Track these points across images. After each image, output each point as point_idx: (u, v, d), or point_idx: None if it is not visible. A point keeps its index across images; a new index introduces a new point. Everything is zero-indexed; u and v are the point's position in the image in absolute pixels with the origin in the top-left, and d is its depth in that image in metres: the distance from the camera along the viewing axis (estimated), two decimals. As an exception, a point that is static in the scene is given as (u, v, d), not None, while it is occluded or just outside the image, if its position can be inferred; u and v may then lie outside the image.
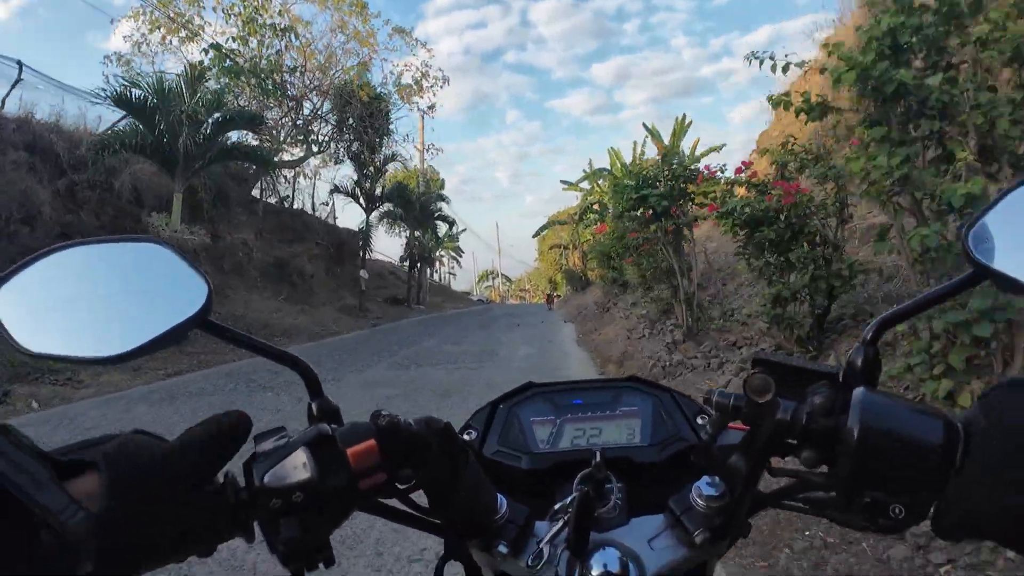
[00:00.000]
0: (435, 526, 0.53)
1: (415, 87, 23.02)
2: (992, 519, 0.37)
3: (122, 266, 0.52)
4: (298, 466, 0.43)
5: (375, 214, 26.08)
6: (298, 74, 21.01)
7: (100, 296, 0.50)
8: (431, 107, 24.20)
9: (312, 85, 21.47)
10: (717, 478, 0.51)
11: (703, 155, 37.11)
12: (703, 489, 0.51)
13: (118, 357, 0.46)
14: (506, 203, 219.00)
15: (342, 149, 22.53)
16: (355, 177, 22.79)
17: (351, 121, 21.47)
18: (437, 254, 49.60)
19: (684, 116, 35.21)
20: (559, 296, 54.61)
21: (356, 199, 23.29)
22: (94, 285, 0.50)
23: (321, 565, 0.45)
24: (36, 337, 0.45)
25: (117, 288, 0.51)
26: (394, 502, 0.52)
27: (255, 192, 21.54)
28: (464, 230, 51.22)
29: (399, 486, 0.49)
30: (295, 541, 0.42)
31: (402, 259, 29.26)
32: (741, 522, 0.51)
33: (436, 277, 52.53)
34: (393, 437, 0.45)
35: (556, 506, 0.53)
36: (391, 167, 25.39)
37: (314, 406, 0.51)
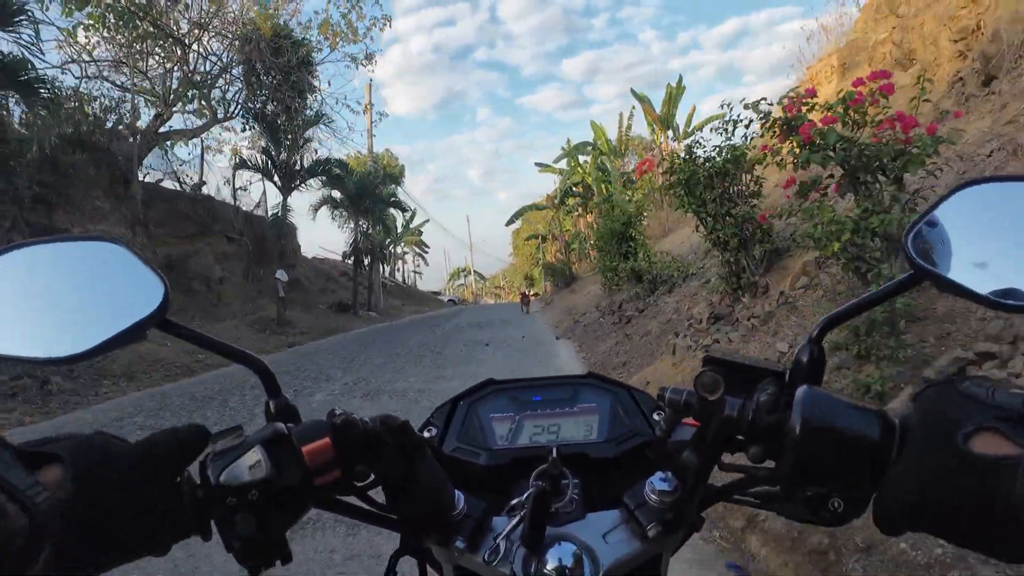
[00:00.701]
0: (391, 522, 0.54)
1: (345, 29, 17.60)
2: (926, 511, 0.38)
3: (77, 265, 0.51)
4: (254, 464, 0.43)
5: (313, 199, 20.91)
6: (181, 6, 15.45)
7: (55, 296, 0.50)
8: (369, 57, 18.82)
9: (203, 20, 15.93)
10: (670, 473, 0.52)
11: (703, 124, 31.89)
12: (656, 484, 0.52)
13: (74, 357, 0.46)
14: (480, 200, 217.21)
15: (249, 110, 16.95)
16: (267, 146, 17.25)
17: (260, 74, 16.06)
18: (395, 249, 44.62)
19: (680, 79, 30.61)
20: (536, 295, 49.79)
21: (268, 175, 17.80)
22: (49, 285, 0.50)
23: (278, 562, 0.46)
24: None
25: (72, 288, 0.50)
26: (352, 499, 0.52)
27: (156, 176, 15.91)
28: (427, 221, 46.15)
29: (356, 483, 0.49)
30: (251, 538, 0.43)
31: (345, 255, 23.85)
32: (693, 516, 0.53)
33: (399, 276, 47.08)
34: (347, 434, 0.46)
35: (513, 501, 0.53)
36: (326, 141, 19.88)
37: (272, 404, 0.51)
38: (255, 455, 0.44)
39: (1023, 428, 0.36)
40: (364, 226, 23.80)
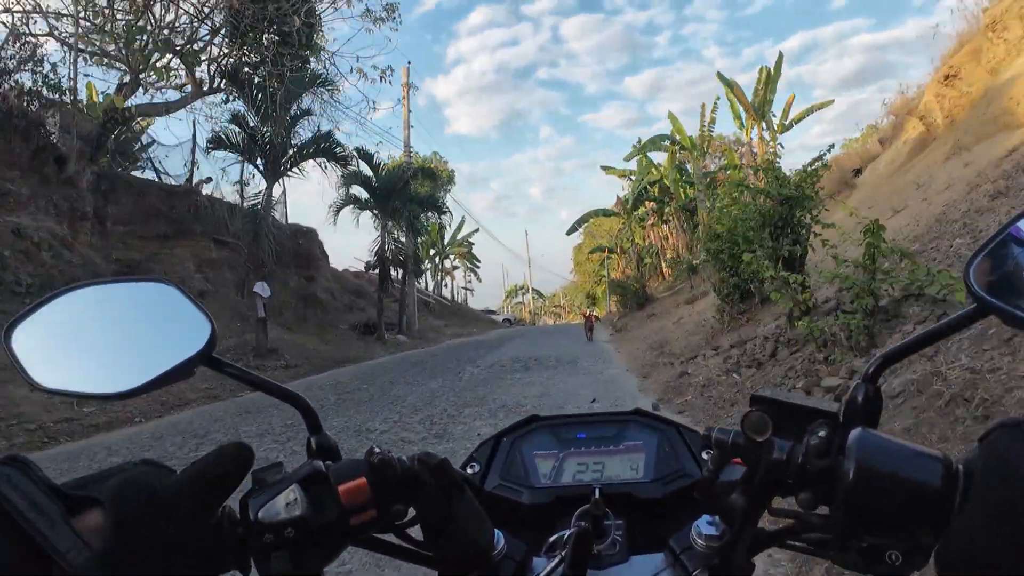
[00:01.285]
0: (429, 560, 0.53)
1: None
2: (995, 564, 0.35)
3: (130, 305, 0.55)
4: (291, 502, 0.44)
5: (337, 197, 16.86)
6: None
7: (110, 334, 0.53)
8: (390, 9, 14.55)
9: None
10: (717, 517, 0.50)
11: (802, 116, 25.65)
12: (702, 528, 0.50)
13: (127, 393, 0.48)
14: (541, 218, 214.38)
15: (225, 70, 12.85)
16: (243, 115, 13.09)
17: (246, 26, 12.03)
18: (442, 262, 40.61)
19: (780, 57, 25.07)
20: (597, 317, 43.91)
21: (249, 155, 13.61)
22: (104, 323, 0.53)
23: None
24: (49, 374, 0.48)
25: (126, 326, 0.54)
26: (391, 536, 0.52)
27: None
28: (476, 231, 41.65)
29: (394, 522, 0.49)
30: (288, 575, 0.44)
31: (369, 266, 19.62)
32: (742, 561, 0.50)
33: (448, 292, 42.83)
34: (384, 474, 0.46)
35: (552, 539, 0.52)
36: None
37: (313, 441, 0.52)
38: (292, 493, 0.44)
39: None
40: (395, 232, 19.56)
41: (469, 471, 0.64)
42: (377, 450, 0.47)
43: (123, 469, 0.42)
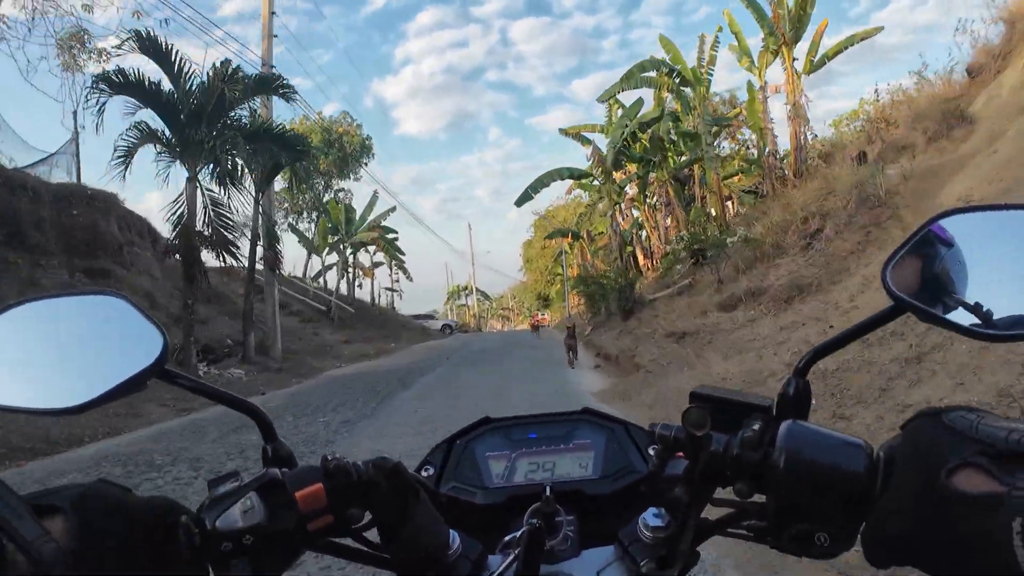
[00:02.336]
0: (387, 562, 0.54)
1: None
2: (911, 546, 0.38)
3: (80, 319, 0.54)
4: (248, 510, 0.45)
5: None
6: None
7: (58, 348, 0.53)
8: None
9: None
10: (663, 509, 0.52)
11: (840, 47, 17.79)
12: (649, 520, 0.53)
13: (78, 408, 0.48)
14: (488, 220, 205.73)
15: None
16: None
17: None
18: (349, 254, 29.18)
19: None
20: (543, 323, 36.49)
21: None
22: (53, 338, 0.53)
23: None
24: None
25: (75, 340, 0.53)
26: (348, 540, 0.53)
27: None
28: (393, 209, 30.62)
29: (350, 526, 0.50)
30: None
31: (169, 247, 11.41)
32: (687, 551, 0.52)
33: (370, 295, 33.88)
34: (340, 479, 0.47)
35: (507, 539, 0.54)
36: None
37: (268, 449, 0.53)
38: (249, 501, 0.45)
39: (1005, 464, 0.35)
40: (223, 189, 11.30)
41: (424, 474, 0.65)
42: (332, 456, 0.47)
43: (79, 485, 0.42)
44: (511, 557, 0.50)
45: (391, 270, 35.36)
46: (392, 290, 37.46)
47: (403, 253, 33.94)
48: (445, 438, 0.68)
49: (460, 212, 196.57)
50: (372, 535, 0.52)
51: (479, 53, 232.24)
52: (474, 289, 63.25)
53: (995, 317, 0.45)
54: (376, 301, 34.03)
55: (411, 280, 36.72)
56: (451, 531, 0.53)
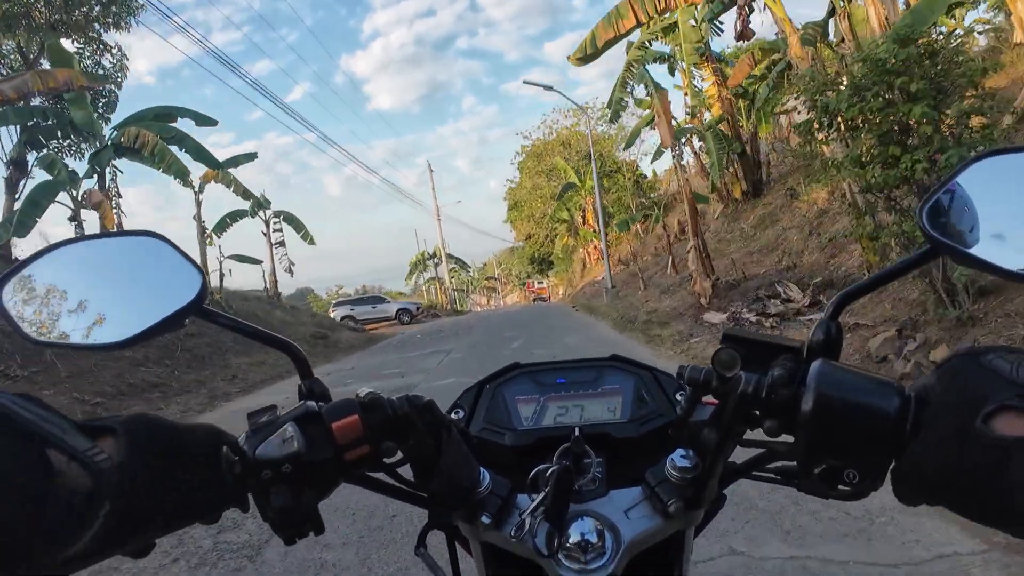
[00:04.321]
0: (420, 498, 0.56)
1: None
2: (943, 485, 0.38)
3: (121, 259, 0.55)
4: (287, 439, 0.46)
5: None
6: None
7: (101, 287, 0.54)
8: None
9: None
10: (691, 451, 0.53)
11: None
12: (676, 461, 0.53)
13: (118, 344, 0.50)
14: (469, 189, 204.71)
15: None
16: None
17: None
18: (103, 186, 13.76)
19: None
20: (547, 292, 30.79)
21: None
22: (95, 277, 0.54)
23: (312, 533, 0.49)
24: (41, 327, 0.50)
25: (117, 280, 0.54)
26: (382, 475, 0.54)
27: None
28: (255, 155, 18.13)
29: (385, 460, 0.52)
30: (285, 509, 0.46)
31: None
32: (714, 492, 0.54)
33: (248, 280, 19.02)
34: (375, 413, 0.49)
35: (536, 478, 0.54)
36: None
37: (303, 386, 0.53)
38: (289, 431, 0.46)
39: None
40: None
41: (454, 416, 0.65)
42: (366, 391, 0.49)
43: (122, 414, 0.44)
44: (541, 495, 0.51)
45: (271, 244, 20.25)
46: (287, 269, 20.71)
47: (267, 200, 19.51)
48: (475, 382, 0.68)
49: (441, 183, 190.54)
50: (405, 472, 0.54)
51: (448, 20, 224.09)
52: (443, 254, 41.91)
53: None
54: (269, 288, 20.16)
55: (313, 244, 21.12)
56: (481, 469, 0.54)
